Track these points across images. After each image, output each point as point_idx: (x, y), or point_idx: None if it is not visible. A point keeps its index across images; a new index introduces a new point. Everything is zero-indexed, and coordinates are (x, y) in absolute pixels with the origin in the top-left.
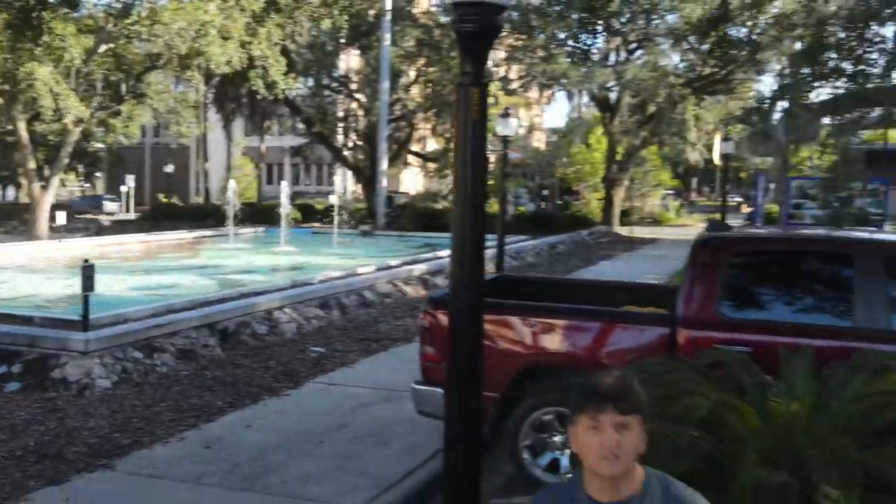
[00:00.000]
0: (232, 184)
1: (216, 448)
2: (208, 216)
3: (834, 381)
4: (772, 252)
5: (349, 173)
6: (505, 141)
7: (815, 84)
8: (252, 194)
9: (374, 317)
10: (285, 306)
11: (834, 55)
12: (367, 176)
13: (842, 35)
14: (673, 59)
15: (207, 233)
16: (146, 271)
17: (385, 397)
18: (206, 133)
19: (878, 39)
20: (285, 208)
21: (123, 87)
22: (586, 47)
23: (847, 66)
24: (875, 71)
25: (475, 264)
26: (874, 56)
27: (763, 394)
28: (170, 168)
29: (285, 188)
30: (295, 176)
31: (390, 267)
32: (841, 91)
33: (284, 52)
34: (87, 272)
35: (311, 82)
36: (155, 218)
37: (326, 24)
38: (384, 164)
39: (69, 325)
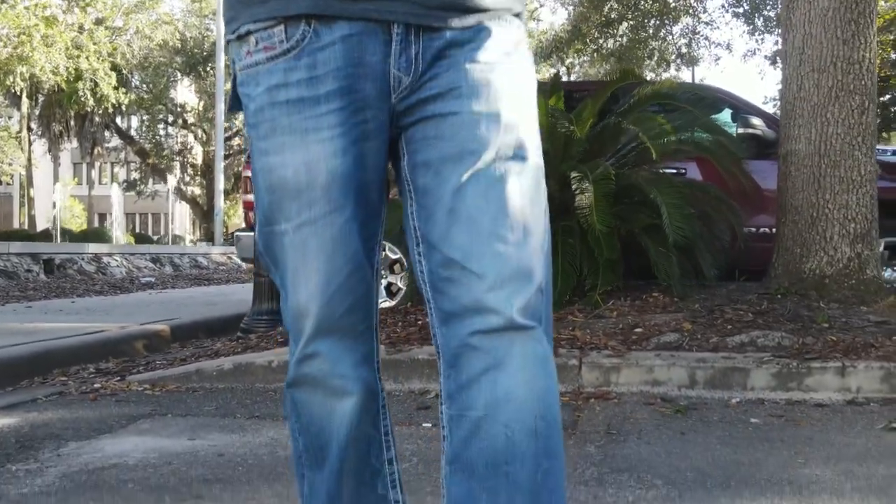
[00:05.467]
0: (58, 187)
1: (39, 308)
2: (32, 239)
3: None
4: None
5: (187, 207)
6: None
7: None
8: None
9: (206, 274)
10: (115, 254)
11: None
12: (204, 210)
13: None
14: None
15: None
16: None
17: (215, 295)
18: (30, 159)
19: None
20: (118, 218)
21: None
22: None
23: None
24: None
25: None
26: None
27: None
28: None
29: (116, 191)
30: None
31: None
32: None
33: (115, 68)
34: None
35: (145, 115)
36: None
37: (158, 36)
38: (221, 185)
39: None
